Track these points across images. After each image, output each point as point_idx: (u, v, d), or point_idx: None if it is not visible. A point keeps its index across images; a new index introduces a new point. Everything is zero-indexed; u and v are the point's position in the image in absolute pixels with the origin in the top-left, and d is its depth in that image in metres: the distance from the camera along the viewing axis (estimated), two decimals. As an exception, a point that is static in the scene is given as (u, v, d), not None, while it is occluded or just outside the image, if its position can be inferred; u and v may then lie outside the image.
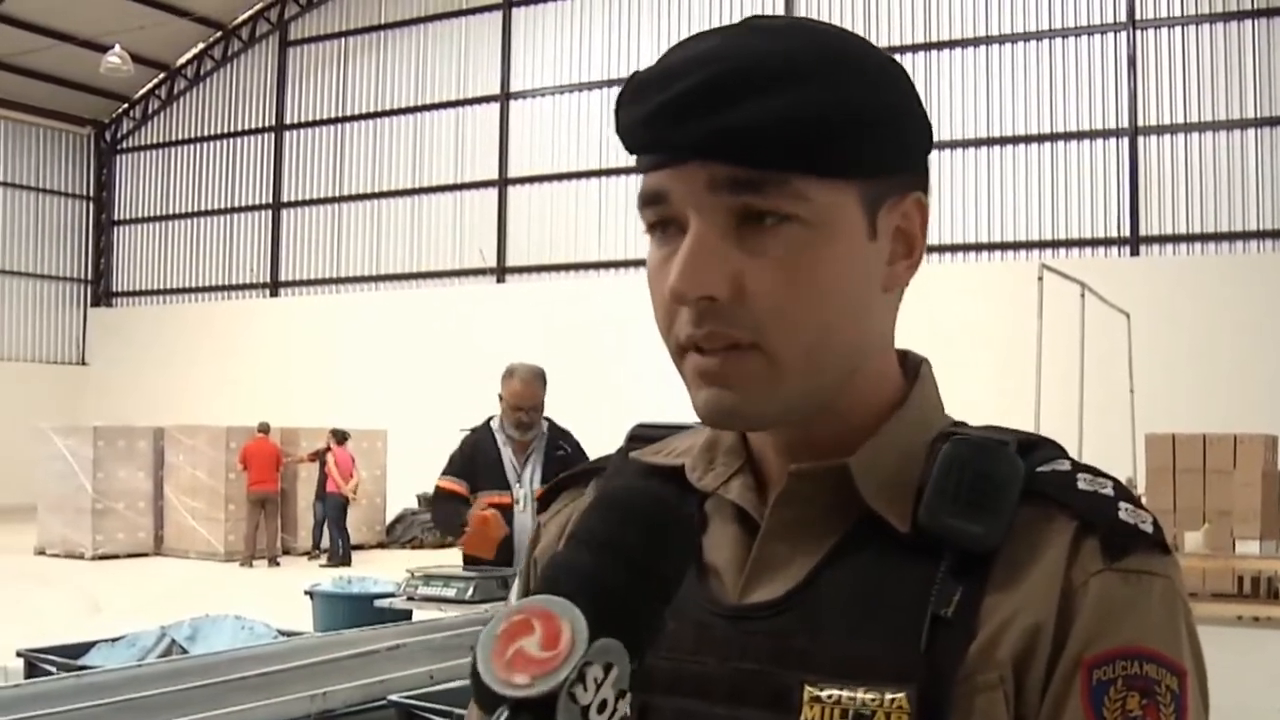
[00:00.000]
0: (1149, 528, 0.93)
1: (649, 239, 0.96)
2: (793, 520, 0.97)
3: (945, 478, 0.94)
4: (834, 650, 0.91)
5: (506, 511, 5.86)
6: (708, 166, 0.90)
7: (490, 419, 6.13)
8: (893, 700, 0.87)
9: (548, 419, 6.05)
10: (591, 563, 0.80)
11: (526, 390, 5.89)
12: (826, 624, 0.92)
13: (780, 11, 22.56)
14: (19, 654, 6.05)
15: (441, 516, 6.36)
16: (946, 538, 0.92)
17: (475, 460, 5.98)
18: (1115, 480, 0.96)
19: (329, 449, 18.55)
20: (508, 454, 5.95)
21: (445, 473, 6.06)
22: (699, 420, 0.98)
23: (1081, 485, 0.94)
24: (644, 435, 1.15)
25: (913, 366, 1.04)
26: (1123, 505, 0.93)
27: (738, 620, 0.95)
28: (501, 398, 5.98)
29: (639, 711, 0.94)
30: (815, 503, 0.97)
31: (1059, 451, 0.99)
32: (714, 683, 0.94)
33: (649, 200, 0.94)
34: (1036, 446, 0.98)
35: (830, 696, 0.89)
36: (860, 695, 0.88)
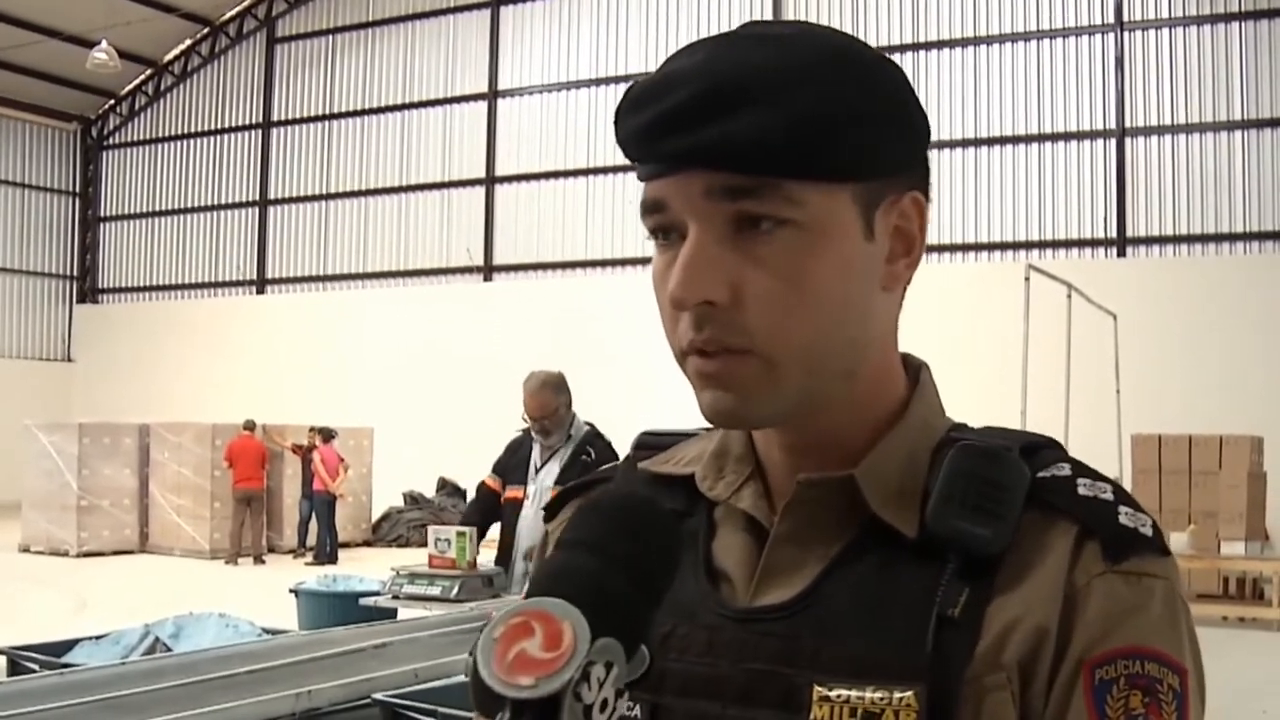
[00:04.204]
0: (1149, 530, 0.95)
1: (653, 246, 0.98)
2: (801, 527, 0.99)
3: (952, 484, 0.96)
4: (843, 650, 0.92)
5: (519, 505, 6.22)
6: (704, 174, 0.92)
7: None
8: (901, 699, 0.89)
9: (589, 424, 6.33)
10: (586, 565, 0.81)
11: (533, 401, 6.18)
12: (835, 625, 0.94)
13: (769, 11, 22.60)
14: (1, 652, 6.03)
15: (468, 509, 6.84)
16: (953, 541, 0.94)
17: (513, 457, 6.38)
18: (1115, 484, 0.98)
19: (314, 447, 18.50)
20: (535, 453, 6.27)
21: (492, 470, 6.52)
22: (704, 422, 1.00)
23: (1082, 490, 0.96)
24: (650, 443, 1.16)
25: (913, 370, 1.06)
26: (1123, 509, 0.95)
27: (748, 622, 0.97)
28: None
29: (650, 713, 0.97)
30: (823, 510, 0.99)
31: (1060, 454, 1.01)
32: (725, 684, 0.95)
33: (649, 209, 0.96)
34: (1038, 449, 1.00)
35: (839, 696, 0.90)
36: (869, 694, 0.90)
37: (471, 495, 7.61)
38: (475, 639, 0.77)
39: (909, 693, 0.89)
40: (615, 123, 0.97)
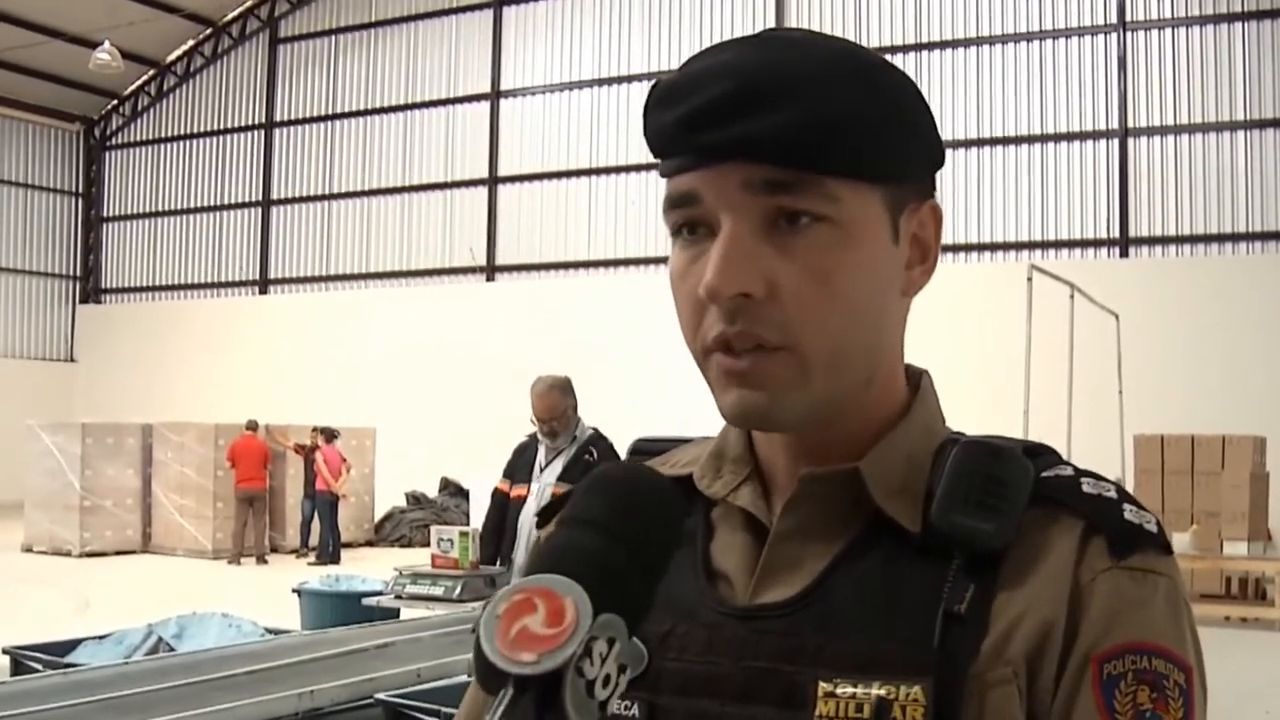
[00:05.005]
0: (1153, 528, 0.95)
1: (673, 242, 0.98)
2: (803, 523, 0.99)
3: (956, 479, 0.96)
4: (847, 647, 0.92)
5: (524, 503, 6.40)
6: (742, 168, 0.92)
7: None
8: (909, 694, 0.89)
9: (593, 428, 6.46)
10: (588, 542, 0.81)
11: (540, 404, 6.33)
12: (839, 622, 0.93)
13: (771, 11, 22.61)
14: (5, 651, 6.05)
15: (488, 514, 6.95)
16: (957, 537, 0.94)
17: (520, 459, 6.58)
18: (1118, 484, 0.98)
19: (316, 447, 18.50)
20: (541, 453, 6.45)
21: (503, 474, 6.73)
22: (703, 428, 0.99)
23: (1086, 488, 0.96)
24: (646, 449, 1.16)
25: (914, 378, 1.06)
26: (1127, 506, 0.96)
27: (749, 620, 0.97)
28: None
29: (649, 713, 0.96)
30: (825, 506, 0.99)
31: (1060, 459, 1.01)
32: (726, 682, 0.95)
33: (679, 202, 0.96)
34: (1039, 454, 1.00)
35: (845, 692, 0.90)
36: (875, 690, 0.89)
37: (475, 496, 7.81)
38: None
39: (916, 687, 0.88)
40: (644, 117, 0.98)
